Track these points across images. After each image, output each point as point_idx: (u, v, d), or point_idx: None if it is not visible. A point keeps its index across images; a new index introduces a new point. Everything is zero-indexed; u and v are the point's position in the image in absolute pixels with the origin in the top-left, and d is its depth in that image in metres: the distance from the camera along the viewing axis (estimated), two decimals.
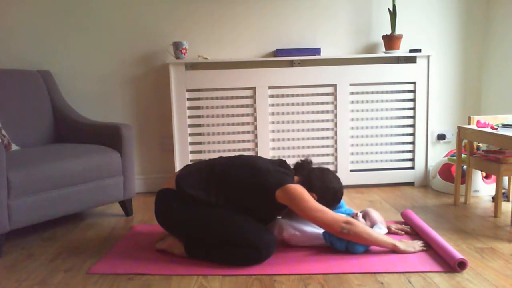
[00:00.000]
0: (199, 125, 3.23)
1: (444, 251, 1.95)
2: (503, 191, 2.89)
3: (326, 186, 2.13)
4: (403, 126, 3.29)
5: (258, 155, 3.21)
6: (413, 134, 3.29)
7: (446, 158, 3.20)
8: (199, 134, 3.25)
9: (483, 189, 3.03)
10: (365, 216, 2.20)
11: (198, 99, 3.20)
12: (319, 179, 2.14)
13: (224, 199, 2.07)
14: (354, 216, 2.20)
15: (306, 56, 3.18)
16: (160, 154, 3.38)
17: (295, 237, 2.13)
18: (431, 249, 2.06)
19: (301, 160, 2.28)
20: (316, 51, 3.19)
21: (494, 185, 3.01)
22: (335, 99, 3.22)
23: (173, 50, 3.16)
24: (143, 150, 3.38)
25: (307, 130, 3.24)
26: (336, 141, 3.26)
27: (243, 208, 2.08)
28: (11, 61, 3.20)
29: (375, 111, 3.26)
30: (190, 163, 3.18)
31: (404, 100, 3.27)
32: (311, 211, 1.97)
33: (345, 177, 3.21)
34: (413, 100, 3.26)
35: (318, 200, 2.08)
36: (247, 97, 3.20)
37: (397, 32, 3.29)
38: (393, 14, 3.21)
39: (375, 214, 2.21)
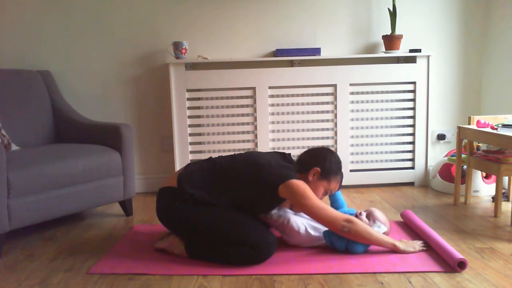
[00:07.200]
0: (199, 125, 3.23)
1: (444, 251, 1.95)
2: (503, 191, 2.88)
3: (325, 157, 2.16)
4: (403, 126, 3.29)
5: None
6: (413, 134, 3.29)
7: (446, 158, 3.20)
8: (199, 134, 3.25)
9: (483, 189, 3.03)
10: (369, 215, 2.20)
11: (198, 99, 3.20)
12: (315, 155, 2.19)
13: (226, 197, 2.07)
14: (358, 214, 2.20)
15: (306, 56, 3.18)
16: (160, 154, 3.38)
17: (297, 235, 2.13)
18: (431, 249, 2.06)
19: None
20: (316, 51, 3.19)
21: (494, 185, 3.01)
22: (335, 99, 3.22)
23: (173, 50, 3.16)
24: (143, 150, 3.38)
25: (307, 130, 3.24)
26: (336, 141, 3.26)
27: (246, 205, 2.08)
28: (11, 61, 3.20)
29: (375, 111, 3.26)
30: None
31: (404, 100, 3.27)
32: (312, 208, 1.98)
33: (345, 177, 3.17)
34: (413, 100, 3.26)
35: (322, 172, 2.10)
36: (247, 97, 3.20)
37: (397, 32, 3.29)
38: (393, 14, 3.21)
39: (378, 213, 2.21)
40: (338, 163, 2.18)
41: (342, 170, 2.22)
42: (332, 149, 3.25)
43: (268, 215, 2.18)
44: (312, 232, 2.13)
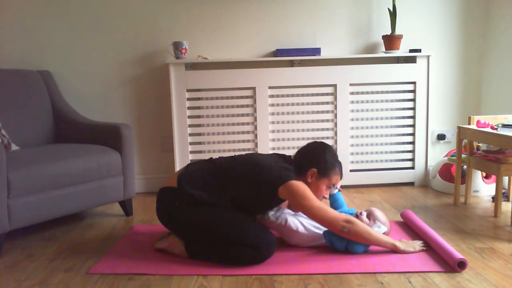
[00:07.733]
0: (199, 125, 3.23)
1: (444, 251, 1.95)
2: (503, 191, 2.89)
3: (318, 156, 2.15)
4: (403, 126, 3.29)
5: None
6: (413, 134, 3.29)
7: (446, 158, 3.20)
8: (199, 134, 3.25)
9: (483, 189, 3.03)
10: (369, 215, 2.20)
11: (198, 99, 3.20)
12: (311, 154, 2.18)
13: (226, 198, 2.07)
14: (359, 214, 2.20)
15: (306, 56, 3.18)
16: (160, 154, 3.38)
17: (297, 235, 2.13)
18: (431, 249, 2.06)
19: None
20: (316, 51, 3.19)
21: (494, 185, 3.01)
22: (335, 99, 3.22)
23: (173, 50, 3.16)
24: (143, 150, 3.38)
25: (307, 130, 3.24)
26: (336, 141, 3.26)
27: (246, 205, 2.08)
28: (11, 61, 3.20)
29: (375, 111, 3.26)
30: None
31: (404, 100, 3.27)
32: (312, 208, 1.98)
33: (345, 177, 3.20)
34: (413, 100, 3.26)
35: (319, 171, 2.10)
36: (247, 97, 3.20)
37: (397, 32, 3.29)
38: (393, 14, 3.21)
39: (378, 213, 2.21)
40: (333, 157, 2.18)
41: (340, 164, 2.21)
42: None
43: (265, 217, 2.18)
44: (312, 229, 2.13)
